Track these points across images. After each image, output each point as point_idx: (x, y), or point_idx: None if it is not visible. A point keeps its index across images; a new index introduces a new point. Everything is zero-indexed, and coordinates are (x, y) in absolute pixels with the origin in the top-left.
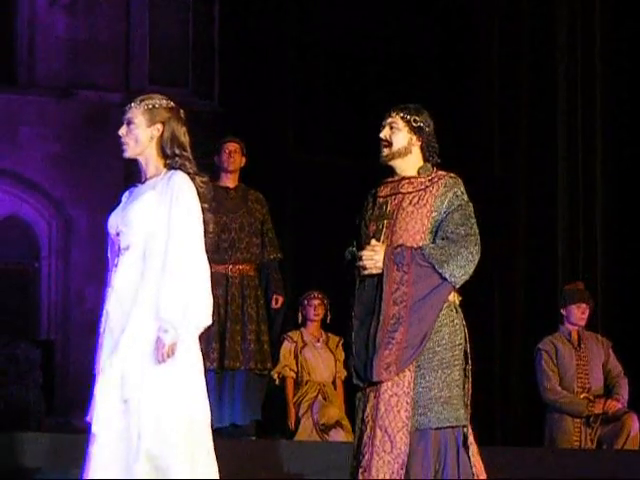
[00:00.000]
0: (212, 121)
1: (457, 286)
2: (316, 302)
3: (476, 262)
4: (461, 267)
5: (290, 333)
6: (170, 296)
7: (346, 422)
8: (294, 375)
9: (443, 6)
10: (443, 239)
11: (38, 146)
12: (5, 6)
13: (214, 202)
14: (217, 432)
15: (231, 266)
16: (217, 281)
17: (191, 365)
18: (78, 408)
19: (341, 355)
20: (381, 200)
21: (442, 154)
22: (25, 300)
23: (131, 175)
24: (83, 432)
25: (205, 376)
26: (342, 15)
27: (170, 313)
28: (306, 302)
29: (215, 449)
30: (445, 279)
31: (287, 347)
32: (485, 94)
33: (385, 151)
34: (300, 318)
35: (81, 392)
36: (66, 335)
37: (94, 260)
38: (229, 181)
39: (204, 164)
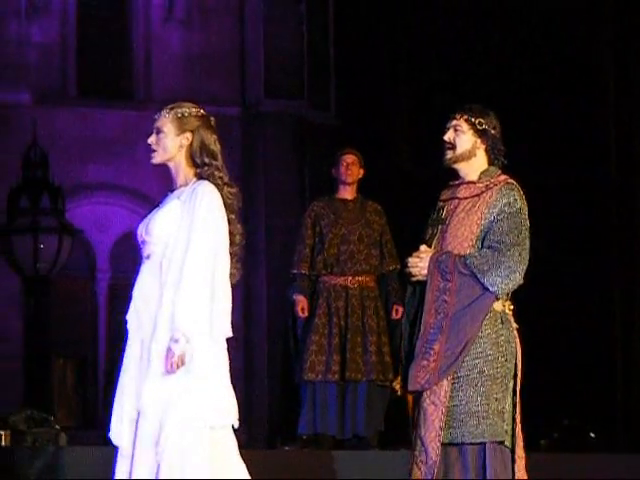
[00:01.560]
0: (329, 133)
1: (500, 296)
2: None
3: (521, 272)
4: (504, 277)
5: None
6: (183, 306)
7: None
8: None
9: (559, 18)
10: (488, 247)
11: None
12: (121, 23)
13: (333, 214)
14: (340, 444)
15: (350, 278)
16: (337, 293)
17: (210, 373)
18: None
19: None
20: (440, 204)
21: (560, 160)
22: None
23: (248, 189)
24: None
25: (327, 388)
26: (455, 28)
27: (182, 323)
28: None
29: (338, 460)
30: (487, 289)
31: None
32: (602, 99)
33: (449, 154)
34: None
35: None
36: None
37: None
38: (347, 193)
39: (319, 176)
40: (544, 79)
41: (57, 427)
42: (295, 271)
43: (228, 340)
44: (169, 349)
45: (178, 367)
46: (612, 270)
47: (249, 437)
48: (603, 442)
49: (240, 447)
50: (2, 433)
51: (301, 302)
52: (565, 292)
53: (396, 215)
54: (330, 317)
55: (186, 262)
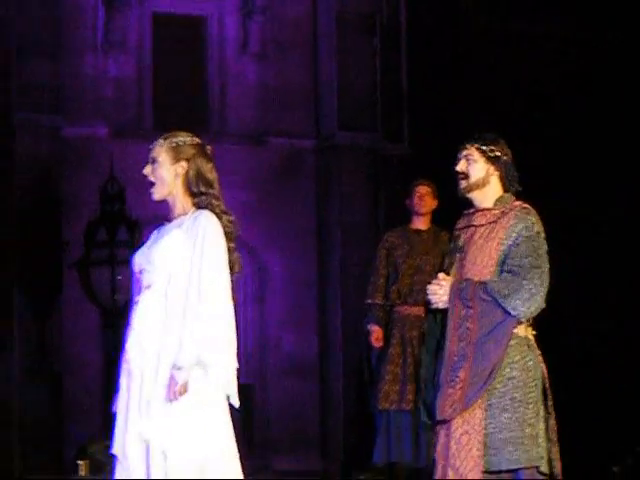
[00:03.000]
0: (402, 164)
1: (523, 320)
2: None
3: (543, 295)
4: (525, 300)
5: None
6: (188, 336)
7: None
8: None
9: None
10: (508, 272)
11: (231, 193)
12: (196, 55)
13: (407, 245)
14: (415, 473)
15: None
16: (411, 323)
17: (211, 406)
18: (277, 450)
19: None
20: (457, 233)
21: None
22: None
23: (322, 221)
24: (283, 474)
25: (402, 417)
26: (527, 60)
27: (186, 353)
28: None
29: None
30: (509, 313)
31: None
32: None
33: (463, 183)
34: None
35: (280, 434)
36: (264, 379)
37: (289, 306)
38: (421, 223)
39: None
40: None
41: None
42: (370, 301)
43: (303, 369)
44: (172, 376)
45: (180, 395)
46: None
47: (325, 466)
48: None
49: (315, 476)
50: (81, 463)
51: (376, 332)
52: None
53: None
54: (404, 347)
55: (195, 294)
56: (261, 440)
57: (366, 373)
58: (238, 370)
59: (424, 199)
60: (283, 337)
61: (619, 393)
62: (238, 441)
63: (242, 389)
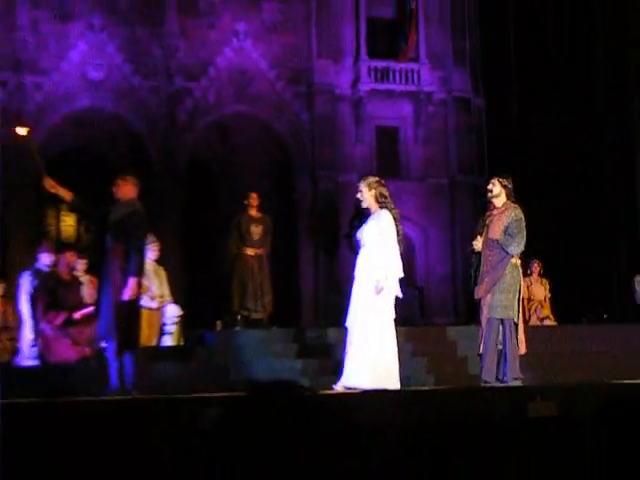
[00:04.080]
0: None
1: (514, 255)
2: None
3: (522, 244)
4: (514, 247)
5: None
6: (380, 266)
7: None
8: None
9: None
10: (507, 235)
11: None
12: None
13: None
14: None
15: None
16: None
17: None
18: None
19: None
20: (486, 218)
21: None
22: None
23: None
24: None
25: None
26: None
27: (379, 274)
28: None
29: None
30: (507, 252)
31: None
32: None
33: (489, 195)
34: None
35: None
36: (429, 285)
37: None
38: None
39: None
40: None
41: None
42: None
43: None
44: (376, 284)
45: (378, 293)
46: None
47: None
48: None
49: None
50: (218, 322)
51: None
52: None
53: None
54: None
55: (383, 247)
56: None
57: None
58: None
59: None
60: (440, 264)
61: None
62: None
63: (419, 289)
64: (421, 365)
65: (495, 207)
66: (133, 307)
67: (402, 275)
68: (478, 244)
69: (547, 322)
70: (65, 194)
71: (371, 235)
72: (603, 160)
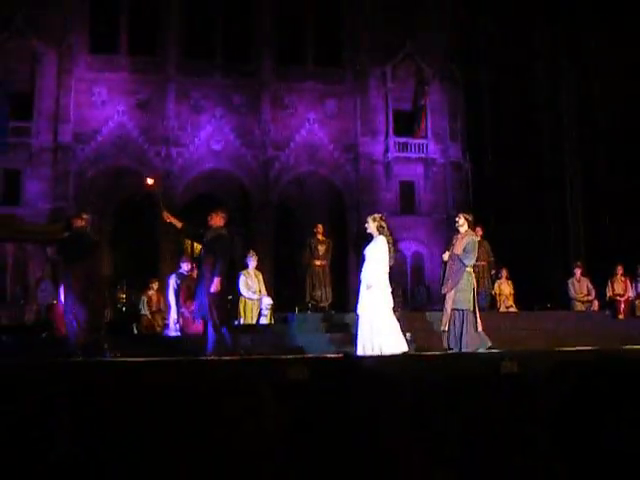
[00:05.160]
0: None
1: (468, 266)
2: None
3: (474, 259)
4: (468, 260)
5: None
6: (374, 273)
7: None
8: None
9: None
10: (465, 252)
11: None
12: None
13: None
14: None
15: None
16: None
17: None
18: None
19: None
20: (453, 240)
21: None
22: (421, 267)
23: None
24: None
25: None
26: None
27: (370, 280)
28: None
29: None
30: (464, 264)
31: None
32: None
33: (456, 224)
34: None
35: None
36: (433, 283)
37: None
38: None
39: None
40: None
41: None
42: None
43: None
44: (368, 287)
45: (371, 288)
46: None
47: None
48: None
49: None
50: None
51: None
52: None
53: None
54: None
55: (372, 267)
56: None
57: None
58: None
59: None
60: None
61: None
62: None
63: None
64: (406, 338)
65: (459, 232)
66: (221, 297)
67: (387, 277)
68: (445, 256)
69: (511, 309)
70: (176, 222)
71: (371, 252)
72: (544, 197)
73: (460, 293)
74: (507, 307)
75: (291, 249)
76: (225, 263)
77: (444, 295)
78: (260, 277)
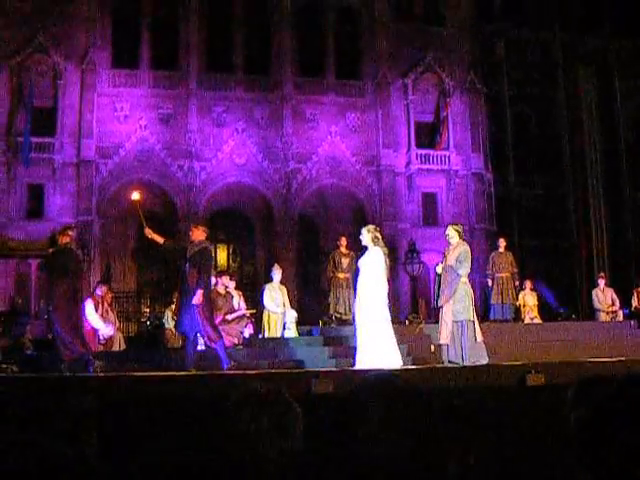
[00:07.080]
0: None
1: (463, 276)
2: None
3: (468, 268)
4: (462, 270)
5: None
6: (370, 285)
7: None
8: None
9: None
10: (458, 262)
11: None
12: None
13: None
14: None
15: None
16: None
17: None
18: None
19: None
20: (445, 251)
21: None
22: None
23: None
24: None
25: None
26: None
27: (370, 290)
28: None
29: None
30: (458, 274)
31: None
32: None
33: (447, 237)
34: None
35: None
36: None
37: None
38: None
39: None
40: None
41: None
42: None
43: None
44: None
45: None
46: None
47: None
48: None
49: None
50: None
51: None
52: None
53: None
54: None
55: (370, 281)
56: None
57: None
58: None
59: None
60: None
61: None
62: None
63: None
64: (402, 350)
65: (451, 244)
66: (208, 309)
67: (387, 288)
68: (439, 269)
69: (535, 320)
70: (158, 239)
71: (366, 265)
72: (567, 207)
73: (458, 304)
74: (531, 318)
75: (314, 262)
76: (209, 276)
77: (440, 307)
78: (284, 290)
